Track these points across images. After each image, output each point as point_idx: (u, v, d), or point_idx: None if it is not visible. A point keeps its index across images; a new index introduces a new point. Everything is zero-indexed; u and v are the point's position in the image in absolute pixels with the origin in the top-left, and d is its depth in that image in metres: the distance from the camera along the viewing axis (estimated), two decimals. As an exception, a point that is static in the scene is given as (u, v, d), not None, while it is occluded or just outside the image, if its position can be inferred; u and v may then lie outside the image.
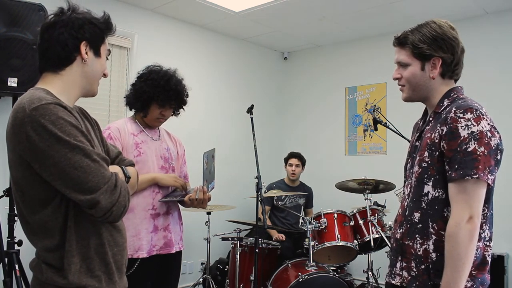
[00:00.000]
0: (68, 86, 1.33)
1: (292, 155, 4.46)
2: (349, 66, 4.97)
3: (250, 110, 3.04)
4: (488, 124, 1.38)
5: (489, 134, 1.36)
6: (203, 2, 3.90)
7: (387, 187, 3.57)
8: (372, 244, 3.27)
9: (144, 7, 4.05)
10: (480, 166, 1.33)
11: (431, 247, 1.43)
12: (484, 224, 1.41)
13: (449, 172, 1.38)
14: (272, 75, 5.44)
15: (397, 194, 3.24)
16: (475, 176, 1.33)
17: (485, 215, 1.41)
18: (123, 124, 2.21)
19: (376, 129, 3.42)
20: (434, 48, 1.48)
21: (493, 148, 1.36)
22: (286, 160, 4.48)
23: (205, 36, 4.62)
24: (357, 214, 3.50)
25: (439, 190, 1.43)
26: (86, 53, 1.33)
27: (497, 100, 3.83)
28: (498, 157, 1.39)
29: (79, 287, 1.24)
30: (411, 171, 1.55)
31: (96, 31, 1.35)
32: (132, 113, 2.34)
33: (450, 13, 3.94)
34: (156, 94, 2.17)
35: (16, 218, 2.78)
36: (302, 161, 4.45)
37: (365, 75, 4.80)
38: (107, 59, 1.44)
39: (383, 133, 4.57)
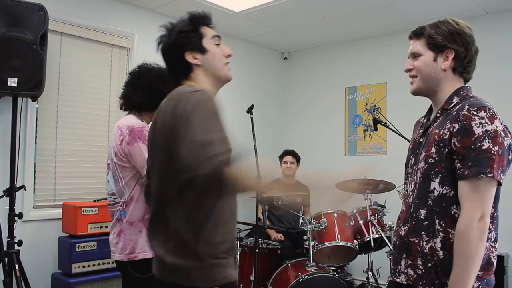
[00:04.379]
0: (202, 86, 1.42)
1: (287, 152, 4.48)
2: (349, 66, 4.97)
3: (250, 110, 3.04)
4: (501, 124, 1.38)
5: (502, 133, 1.36)
6: (203, 2, 3.90)
7: (387, 187, 3.56)
8: (372, 244, 3.27)
9: (144, 7, 4.05)
10: (494, 165, 1.32)
11: (438, 244, 1.41)
12: (491, 225, 1.40)
13: (462, 169, 1.36)
14: (272, 75, 5.44)
15: (398, 191, 3.24)
16: (490, 175, 1.32)
17: (492, 215, 1.40)
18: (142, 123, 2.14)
19: (376, 129, 3.42)
20: (448, 40, 1.49)
21: (506, 148, 1.36)
22: (281, 158, 4.50)
23: (205, 36, 4.62)
24: (357, 214, 3.50)
25: (447, 188, 1.41)
26: (195, 58, 1.42)
27: (497, 100, 3.82)
28: (510, 157, 1.39)
29: (232, 280, 1.35)
30: (414, 167, 1.54)
31: (188, 36, 1.43)
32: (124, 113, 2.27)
33: (450, 13, 3.92)
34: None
35: (16, 218, 2.77)
36: (297, 157, 4.46)
37: (365, 75, 4.79)
38: (218, 43, 1.48)
39: (383, 133, 4.57)
